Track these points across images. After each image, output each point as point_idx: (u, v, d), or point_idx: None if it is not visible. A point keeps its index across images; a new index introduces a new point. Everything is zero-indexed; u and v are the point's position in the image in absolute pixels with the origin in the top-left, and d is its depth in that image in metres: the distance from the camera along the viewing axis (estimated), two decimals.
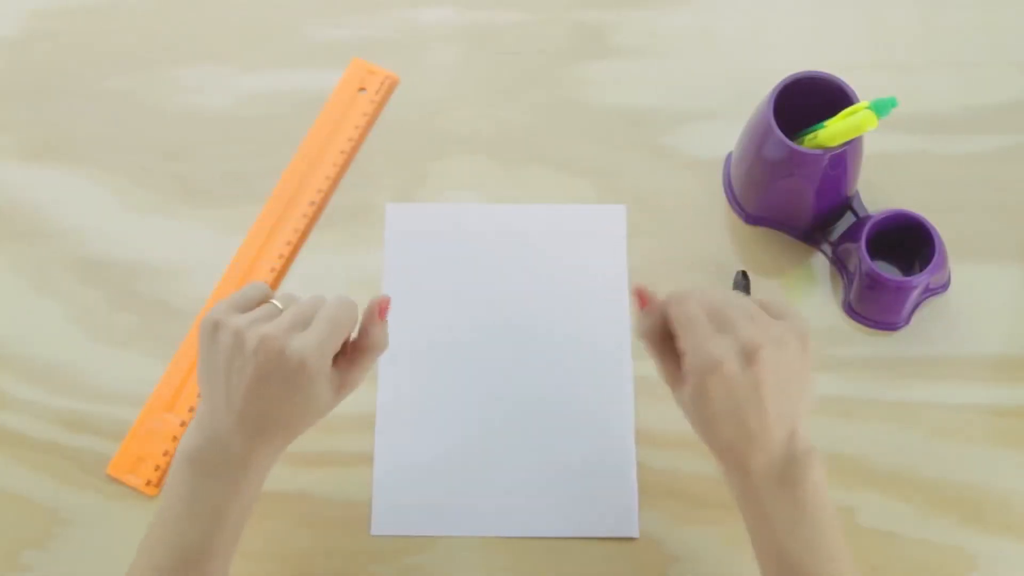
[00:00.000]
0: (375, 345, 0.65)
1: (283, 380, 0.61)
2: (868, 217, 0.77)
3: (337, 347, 0.63)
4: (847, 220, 0.81)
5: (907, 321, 0.79)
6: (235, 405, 0.61)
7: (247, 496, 0.63)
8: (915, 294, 0.77)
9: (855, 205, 0.80)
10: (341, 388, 0.64)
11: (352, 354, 0.65)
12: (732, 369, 0.58)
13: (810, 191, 0.76)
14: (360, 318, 0.65)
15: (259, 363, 0.60)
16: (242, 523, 0.64)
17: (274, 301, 0.66)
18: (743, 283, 0.77)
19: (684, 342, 0.61)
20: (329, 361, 0.62)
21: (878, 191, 0.82)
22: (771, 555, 0.61)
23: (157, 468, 0.76)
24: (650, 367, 0.78)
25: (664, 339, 0.63)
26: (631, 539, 0.74)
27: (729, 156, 0.83)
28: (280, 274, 0.82)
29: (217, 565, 0.62)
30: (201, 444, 0.62)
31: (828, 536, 0.60)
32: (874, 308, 0.78)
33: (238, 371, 0.61)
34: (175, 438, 0.77)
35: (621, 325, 0.79)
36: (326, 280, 0.81)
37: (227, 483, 0.62)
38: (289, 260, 0.82)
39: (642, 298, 0.64)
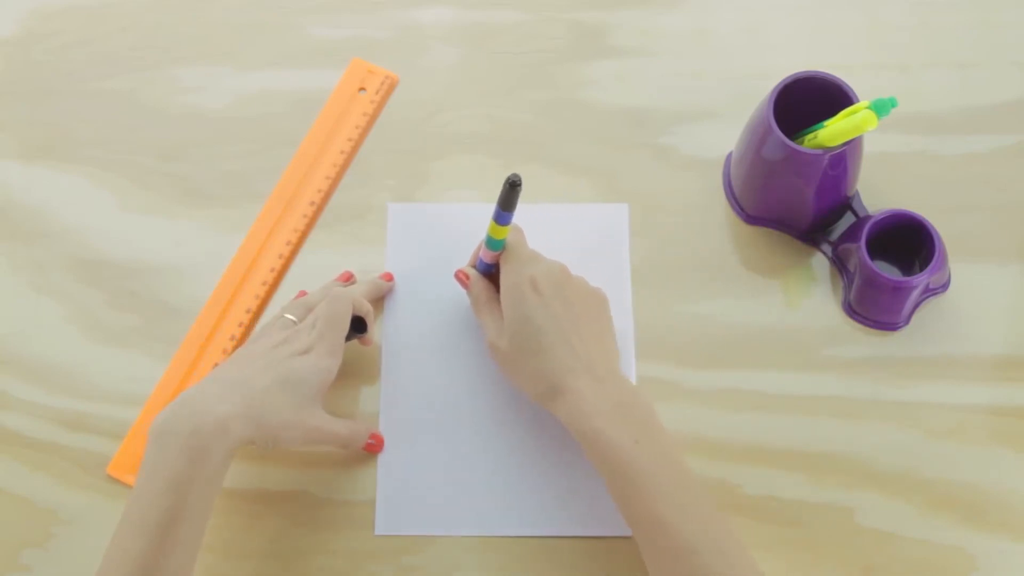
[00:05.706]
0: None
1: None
2: (868, 217, 0.77)
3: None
4: (847, 220, 0.81)
5: (907, 321, 0.79)
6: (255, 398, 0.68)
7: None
8: (915, 294, 0.77)
9: (855, 205, 0.81)
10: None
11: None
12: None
13: (810, 191, 0.76)
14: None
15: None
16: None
17: (288, 316, 0.74)
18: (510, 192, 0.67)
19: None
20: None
21: (878, 191, 0.82)
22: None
23: None
24: (652, 366, 0.78)
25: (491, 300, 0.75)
26: (630, 537, 0.74)
27: (729, 156, 0.83)
28: (280, 274, 0.82)
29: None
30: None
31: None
32: (874, 308, 0.78)
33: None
34: None
35: (624, 324, 0.79)
36: (326, 280, 0.81)
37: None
38: (289, 260, 0.82)
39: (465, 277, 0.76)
